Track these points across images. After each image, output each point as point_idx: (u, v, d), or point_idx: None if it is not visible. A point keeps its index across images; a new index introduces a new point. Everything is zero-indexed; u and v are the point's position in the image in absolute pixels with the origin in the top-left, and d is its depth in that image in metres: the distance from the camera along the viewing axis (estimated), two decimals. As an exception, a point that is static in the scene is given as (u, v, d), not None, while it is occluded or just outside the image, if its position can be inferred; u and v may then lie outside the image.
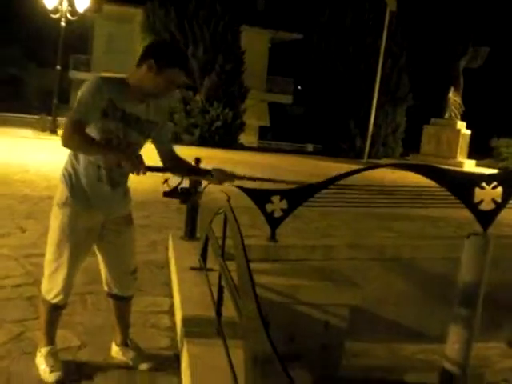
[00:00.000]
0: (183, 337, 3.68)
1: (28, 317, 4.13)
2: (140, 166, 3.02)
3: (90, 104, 3.06)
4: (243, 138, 28.89)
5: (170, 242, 6.27)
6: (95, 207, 3.27)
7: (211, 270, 4.71)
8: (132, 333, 3.88)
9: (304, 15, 34.88)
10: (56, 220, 3.28)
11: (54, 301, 3.36)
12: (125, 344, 3.72)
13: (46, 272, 3.37)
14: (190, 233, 6.29)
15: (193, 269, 5.08)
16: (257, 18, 34.18)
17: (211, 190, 5.51)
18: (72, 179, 3.23)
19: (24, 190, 9.53)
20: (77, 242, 3.29)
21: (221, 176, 3.52)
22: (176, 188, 3.44)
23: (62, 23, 23.22)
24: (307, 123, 33.47)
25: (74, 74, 34.89)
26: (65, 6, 23.07)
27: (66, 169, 3.27)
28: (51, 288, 3.35)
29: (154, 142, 3.50)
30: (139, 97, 3.25)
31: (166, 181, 3.43)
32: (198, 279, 4.81)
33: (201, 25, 25.43)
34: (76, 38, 33.71)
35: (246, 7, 29.59)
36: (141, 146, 3.40)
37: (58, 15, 23.11)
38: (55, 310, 3.44)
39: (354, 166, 7.92)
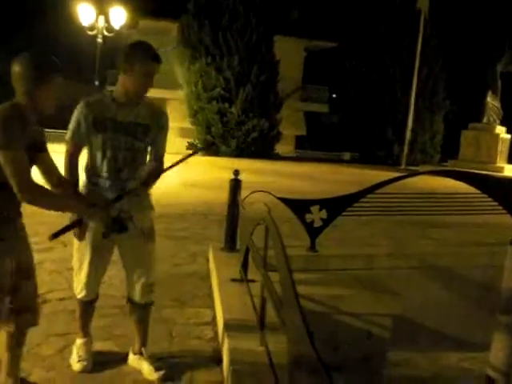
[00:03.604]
0: (226, 348, 3.70)
1: (72, 330, 4.10)
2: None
3: (78, 128, 3.51)
4: (279, 148, 28.86)
5: (211, 254, 6.29)
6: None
7: (252, 281, 4.73)
8: (176, 343, 3.92)
9: (338, 23, 34.80)
10: None
11: (80, 296, 3.69)
12: (139, 353, 3.80)
13: (74, 271, 3.70)
14: (230, 244, 6.31)
15: (234, 280, 5.10)
16: (291, 27, 34.18)
17: (250, 201, 5.55)
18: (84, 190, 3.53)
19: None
20: (94, 242, 3.53)
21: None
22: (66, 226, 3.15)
23: (99, 40, 23.56)
24: (343, 131, 33.33)
25: (112, 89, 35.31)
26: (101, 23, 23.42)
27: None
28: (77, 285, 3.68)
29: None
30: (128, 103, 3.55)
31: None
32: (239, 290, 4.83)
33: (235, 36, 25.55)
34: (112, 54, 34.21)
35: (279, 17, 29.61)
36: (137, 151, 3.56)
37: (94, 32, 23.47)
38: (84, 305, 3.74)
39: (392, 174, 7.89)
